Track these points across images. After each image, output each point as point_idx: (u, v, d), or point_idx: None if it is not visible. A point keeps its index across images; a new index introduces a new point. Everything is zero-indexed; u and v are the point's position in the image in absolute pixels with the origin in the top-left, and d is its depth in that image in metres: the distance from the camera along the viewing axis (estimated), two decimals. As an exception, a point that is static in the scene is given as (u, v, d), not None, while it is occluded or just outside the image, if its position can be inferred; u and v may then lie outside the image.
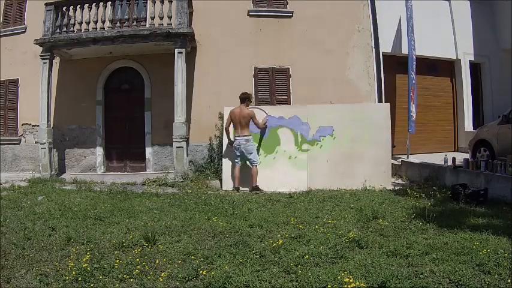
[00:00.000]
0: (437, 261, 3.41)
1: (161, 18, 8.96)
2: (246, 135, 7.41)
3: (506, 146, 6.94)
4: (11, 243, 4.12)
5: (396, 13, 10.11)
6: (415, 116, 9.00)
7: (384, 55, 10.20)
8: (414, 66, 9.05)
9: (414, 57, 9.10)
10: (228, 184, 7.76)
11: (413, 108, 9.01)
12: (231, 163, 7.85)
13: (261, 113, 7.97)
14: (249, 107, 7.72)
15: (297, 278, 3.14)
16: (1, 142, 10.45)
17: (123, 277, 3.24)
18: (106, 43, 8.99)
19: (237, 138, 7.47)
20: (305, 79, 9.93)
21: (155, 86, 10.00)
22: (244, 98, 7.61)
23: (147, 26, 9.40)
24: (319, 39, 10.11)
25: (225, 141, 8.05)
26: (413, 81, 9.01)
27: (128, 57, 10.01)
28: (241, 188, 7.41)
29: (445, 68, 11.33)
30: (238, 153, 7.48)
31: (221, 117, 9.11)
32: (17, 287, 3.18)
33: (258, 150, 7.71)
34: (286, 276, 3.22)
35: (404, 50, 9.36)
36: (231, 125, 7.64)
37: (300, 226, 4.60)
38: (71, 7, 9.25)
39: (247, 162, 7.50)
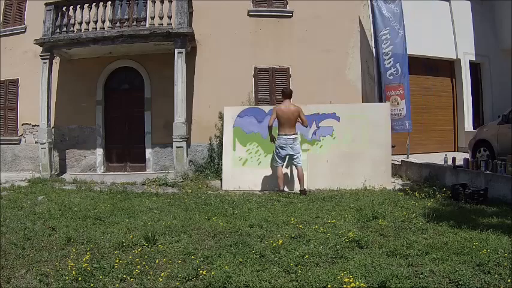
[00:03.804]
0: (437, 261, 3.40)
1: (161, 18, 8.97)
2: (294, 134, 6.89)
3: (506, 146, 6.95)
4: (11, 243, 4.11)
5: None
6: (402, 114, 8.95)
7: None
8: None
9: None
10: (228, 184, 7.75)
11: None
12: (232, 163, 7.82)
13: (262, 112, 7.98)
14: (249, 106, 7.70)
15: (297, 278, 3.14)
16: (1, 142, 10.44)
17: (123, 277, 3.23)
18: (106, 43, 9.00)
19: (283, 137, 6.84)
20: (305, 79, 9.92)
21: (155, 86, 10.01)
22: (290, 93, 7.07)
23: (147, 26, 9.40)
24: (319, 39, 10.11)
25: (226, 140, 8.04)
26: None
27: (128, 57, 10.02)
28: (286, 189, 7.13)
29: (445, 68, 11.33)
30: (283, 154, 6.92)
31: (221, 117, 9.09)
32: (17, 287, 3.17)
33: (257, 150, 7.69)
34: (286, 276, 3.22)
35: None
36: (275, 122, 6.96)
37: (300, 226, 4.59)
38: (71, 7, 9.25)
39: (293, 162, 7.05)
